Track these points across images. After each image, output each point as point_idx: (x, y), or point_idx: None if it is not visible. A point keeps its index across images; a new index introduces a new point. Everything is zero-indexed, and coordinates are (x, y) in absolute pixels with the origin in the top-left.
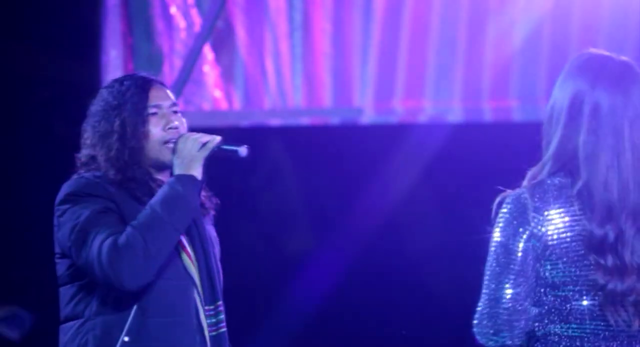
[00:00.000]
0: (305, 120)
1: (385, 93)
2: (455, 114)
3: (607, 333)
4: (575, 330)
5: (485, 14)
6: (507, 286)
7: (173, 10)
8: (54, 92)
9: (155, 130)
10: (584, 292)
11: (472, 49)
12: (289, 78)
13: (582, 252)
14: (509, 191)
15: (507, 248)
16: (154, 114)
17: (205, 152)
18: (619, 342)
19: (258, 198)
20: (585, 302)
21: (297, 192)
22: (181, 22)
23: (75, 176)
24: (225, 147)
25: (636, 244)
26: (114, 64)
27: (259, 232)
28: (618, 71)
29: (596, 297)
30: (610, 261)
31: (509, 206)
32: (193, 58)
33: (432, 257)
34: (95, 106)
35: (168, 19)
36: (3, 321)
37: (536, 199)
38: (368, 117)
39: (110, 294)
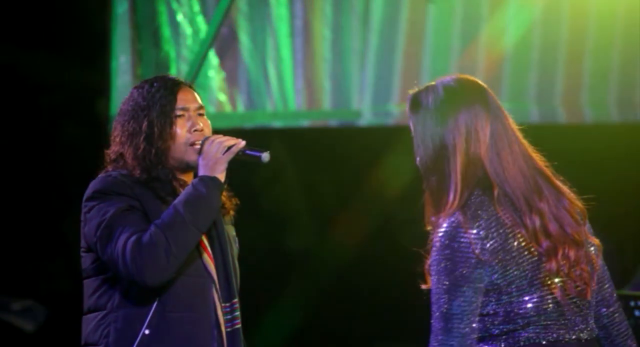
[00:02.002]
0: (305, 123)
1: (382, 96)
2: None
3: None
4: None
5: (477, 20)
6: None
7: (179, 17)
8: (66, 95)
9: (181, 131)
10: None
11: (464, 54)
12: (290, 82)
13: None
14: None
15: None
16: (181, 116)
17: (229, 156)
18: None
19: (260, 197)
20: None
21: (297, 191)
22: (187, 29)
23: (103, 174)
24: (248, 152)
25: None
26: (123, 69)
27: (260, 230)
28: None
29: None
30: None
31: None
32: (199, 63)
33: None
34: (125, 105)
35: (175, 26)
36: (18, 313)
37: None
38: (365, 119)
39: (132, 288)
